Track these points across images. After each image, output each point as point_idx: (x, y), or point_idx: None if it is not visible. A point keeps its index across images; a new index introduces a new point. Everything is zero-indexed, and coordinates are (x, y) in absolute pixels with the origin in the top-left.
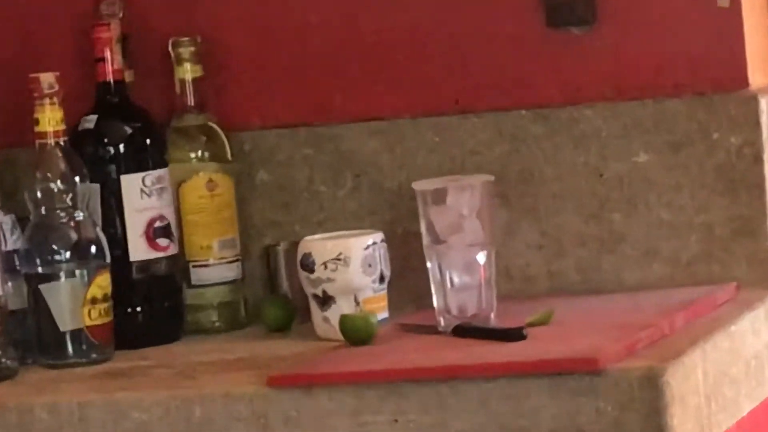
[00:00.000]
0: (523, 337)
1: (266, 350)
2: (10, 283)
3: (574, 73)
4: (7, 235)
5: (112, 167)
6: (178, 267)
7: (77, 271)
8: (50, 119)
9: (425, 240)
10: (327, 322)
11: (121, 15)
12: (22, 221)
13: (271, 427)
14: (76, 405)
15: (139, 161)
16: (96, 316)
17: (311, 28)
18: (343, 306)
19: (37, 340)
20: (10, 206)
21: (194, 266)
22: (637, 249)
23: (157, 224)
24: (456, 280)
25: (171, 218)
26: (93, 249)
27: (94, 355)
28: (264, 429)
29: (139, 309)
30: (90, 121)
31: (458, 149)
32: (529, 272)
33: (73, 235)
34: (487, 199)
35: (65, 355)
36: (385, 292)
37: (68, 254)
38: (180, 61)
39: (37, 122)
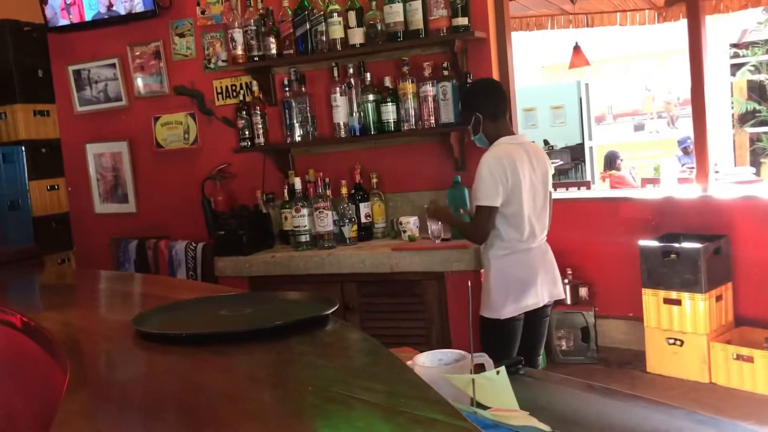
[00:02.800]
0: (448, 240)
1: (391, 242)
2: None
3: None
4: None
5: None
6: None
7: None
8: None
9: (428, 218)
10: (405, 237)
11: None
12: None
13: (396, 264)
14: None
15: None
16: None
17: None
18: (409, 233)
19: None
20: None
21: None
22: None
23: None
24: (434, 227)
25: None
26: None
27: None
28: (390, 266)
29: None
30: None
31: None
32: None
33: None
34: None
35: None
36: (418, 229)
37: None
38: None
39: None
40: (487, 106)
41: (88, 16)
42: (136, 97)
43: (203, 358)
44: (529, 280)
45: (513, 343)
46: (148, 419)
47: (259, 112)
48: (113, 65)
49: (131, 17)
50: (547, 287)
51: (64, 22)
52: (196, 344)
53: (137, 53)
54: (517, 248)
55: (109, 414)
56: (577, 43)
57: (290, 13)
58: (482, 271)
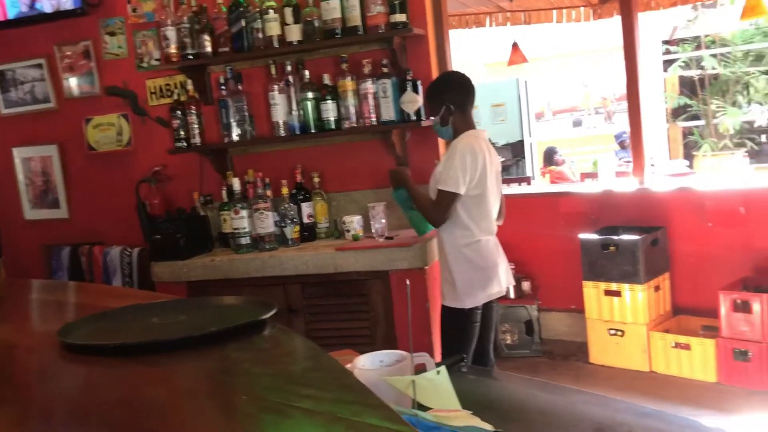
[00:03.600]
0: (392, 239)
1: (334, 242)
2: None
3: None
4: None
5: None
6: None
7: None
8: None
9: (371, 216)
10: (348, 236)
11: None
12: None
13: (340, 264)
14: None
15: None
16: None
17: None
18: (353, 232)
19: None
20: None
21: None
22: None
23: None
24: (377, 226)
25: None
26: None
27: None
28: (335, 267)
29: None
30: None
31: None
32: (390, 224)
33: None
34: (384, 209)
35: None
36: (362, 228)
37: None
38: None
39: None
40: (460, 98)
41: (11, 14)
42: (65, 99)
43: (133, 370)
44: (492, 268)
45: (474, 333)
46: None
47: (194, 112)
48: (40, 65)
49: (58, 15)
50: (505, 275)
51: None
52: (126, 355)
53: (66, 53)
54: (480, 238)
55: None
56: (515, 40)
57: (225, 10)
58: (430, 265)
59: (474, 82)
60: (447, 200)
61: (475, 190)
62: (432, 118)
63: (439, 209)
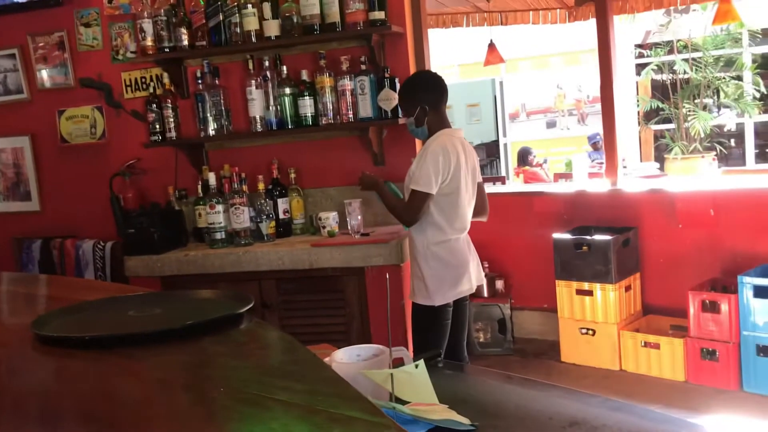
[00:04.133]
0: (367, 235)
1: (310, 238)
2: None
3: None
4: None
5: None
6: None
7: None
8: None
9: (347, 212)
10: (324, 232)
11: None
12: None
13: (315, 260)
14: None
15: None
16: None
17: None
18: (328, 228)
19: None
20: None
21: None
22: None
23: None
24: (353, 222)
25: None
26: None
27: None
28: (310, 263)
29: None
30: None
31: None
32: (366, 220)
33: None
34: (360, 205)
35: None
36: (338, 224)
37: None
38: None
39: None
40: (433, 97)
41: None
42: (38, 90)
43: (109, 363)
44: (463, 266)
45: (446, 330)
46: (46, 430)
47: (170, 105)
48: (13, 56)
49: (32, 5)
50: (475, 273)
51: None
52: (102, 348)
53: (40, 43)
54: (451, 236)
55: (1, 426)
56: (491, 40)
57: (202, 3)
58: (406, 262)
59: (448, 81)
60: (419, 200)
61: (448, 189)
62: (407, 118)
63: (411, 209)
